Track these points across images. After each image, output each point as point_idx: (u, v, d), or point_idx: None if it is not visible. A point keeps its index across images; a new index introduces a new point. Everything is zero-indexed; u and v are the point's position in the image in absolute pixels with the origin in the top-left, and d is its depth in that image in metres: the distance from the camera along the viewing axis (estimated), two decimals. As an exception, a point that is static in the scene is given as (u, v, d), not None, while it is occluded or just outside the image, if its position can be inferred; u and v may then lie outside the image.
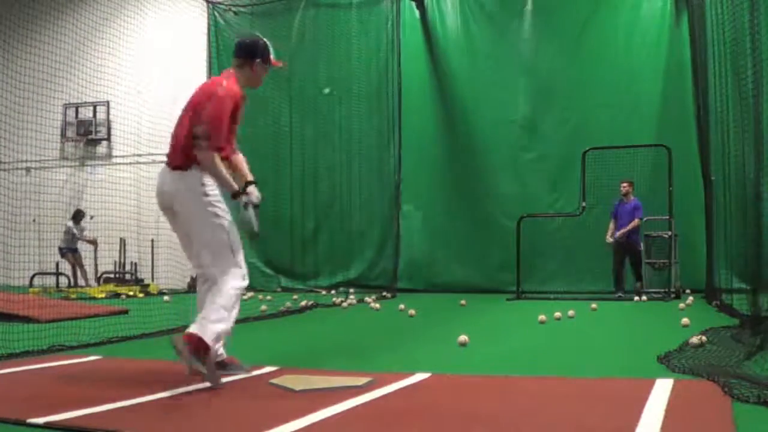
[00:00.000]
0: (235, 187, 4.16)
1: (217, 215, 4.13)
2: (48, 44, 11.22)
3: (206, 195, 4.11)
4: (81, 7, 14.56)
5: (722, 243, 9.59)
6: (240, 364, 4.41)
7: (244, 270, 4.24)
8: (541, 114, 13.00)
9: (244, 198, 4.18)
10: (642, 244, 11.40)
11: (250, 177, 4.39)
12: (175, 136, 4.26)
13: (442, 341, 6.03)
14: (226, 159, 4.25)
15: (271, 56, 4.45)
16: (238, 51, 4.43)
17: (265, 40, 4.47)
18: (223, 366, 4.31)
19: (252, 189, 4.29)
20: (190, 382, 4.07)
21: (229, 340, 4.39)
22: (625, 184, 11.39)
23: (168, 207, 4.24)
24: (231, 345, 4.53)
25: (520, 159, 13.02)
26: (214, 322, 3.96)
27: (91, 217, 13.52)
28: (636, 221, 11.17)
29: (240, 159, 4.46)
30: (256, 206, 4.24)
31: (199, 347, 3.87)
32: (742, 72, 7.44)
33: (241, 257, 4.25)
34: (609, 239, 11.42)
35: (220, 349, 4.31)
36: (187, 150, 4.14)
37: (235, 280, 4.14)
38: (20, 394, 3.85)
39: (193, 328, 3.92)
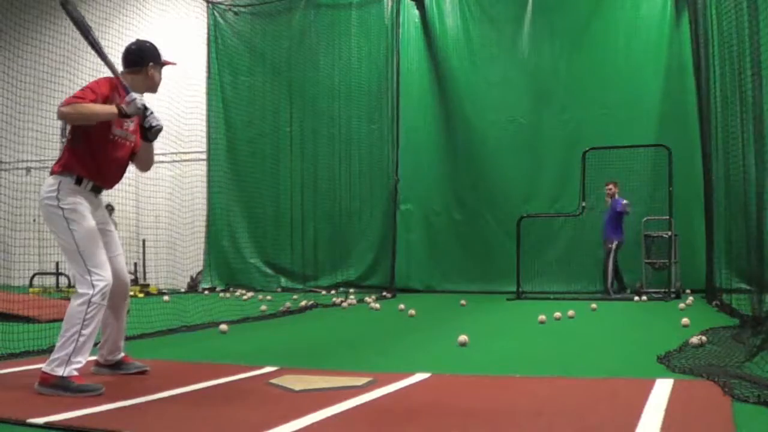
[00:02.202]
0: (114, 108, 3.97)
1: (65, 219, 4.00)
2: (48, 44, 11.21)
3: (55, 199, 4.00)
4: (81, 7, 14.44)
5: (722, 243, 9.60)
6: (134, 362, 4.42)
7: (96, 277, 3.97)
8: (541, 114, 13.00)
9: (124, 108, 3.98)
10: (614, 242, 11.36)
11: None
12: None
13: (442, 341, 6.03)
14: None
15: (162, 55, 4.35)
16: (127, 60, 4.27)
17: (151, 42, 4.35)
18: (120, 366, 4.35)
19: (128, 99, 4.03)
20: (190, 382, 4.07)
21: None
22: (610, 186, 11.47)
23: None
24: (231, 345, 4.52)
25: (520, 159, 13.02)
26: (59, 349, 3.87)
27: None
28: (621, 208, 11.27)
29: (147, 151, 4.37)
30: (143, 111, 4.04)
31: (49, 380, 3.79)
32: (742, 72, 7.45)
33: (95, 262, 3.99)
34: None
35: (120, 351, 4.36)
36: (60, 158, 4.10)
37: (79, 298, 3.96)
38: (20, 394, 3.84)
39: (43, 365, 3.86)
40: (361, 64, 14.02)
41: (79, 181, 4.04)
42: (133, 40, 4.42)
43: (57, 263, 14.37)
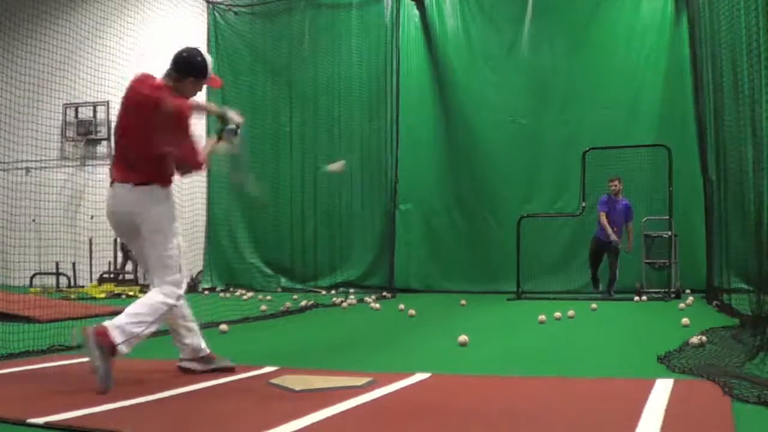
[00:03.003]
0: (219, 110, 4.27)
1: (175, 233, 4.19)
2: (48, 44, 11.20)
3: (169, 210, 4.18)
4: (81, 7, 14.56)
5: (722, 243, 9.60)
6: (220, 358, 4.45)
7: (181, 278, 4.19)
8: (541, 114, 12.99)
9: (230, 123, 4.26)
10: (621, 243, 11.36)
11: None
12: (134, 149, 4.16)
13: (442, 341, 6.03)
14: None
15: (210, 73, 4.36)
16: (175, 65, 4.28)
17: (207, 57, 4.37)
18: (209, 361, 4.37)
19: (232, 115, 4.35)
20: (190, 383, 4.07)
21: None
22: (615, 182, 11.28)
23: (127, 225, 4.18)
24: (231, 345, 4.53)
25: (519, 159, 13.01)
26: (129, 325, 3.88)
27: (92, 217, 13.51)
28: (630, 227, 11.27)
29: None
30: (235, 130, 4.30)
31: (104, 343, 3.77)
32: (740, 72, 7.45)
33: (183, 270, 4.20)
34: (614, 238, 11.23)
35: (202, 344, 4.36)
36: (150, 163, 4.12)
37: (164, 297, 4.07)
38: (20, 394, 3.84)
39: (106, 322, 3.86)
40: (361, 64, 14.01)
41: (165, 188, 4.20)
42: (191, 47, 4.43)
43: (57, 263, 14.37)
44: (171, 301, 4.08)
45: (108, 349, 3.76)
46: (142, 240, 4.16)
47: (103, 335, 3.76)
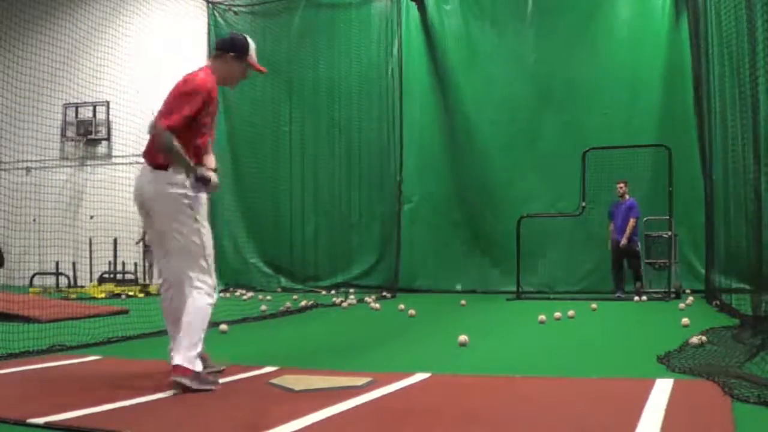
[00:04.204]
0: (191, 162, 3.98)
1: (195, 219, 4.05)
2: (48, 44, 11.21)
3: (187, 197, 4.02)
4: (81, 7, 14.55)
5: (722, 243, 9.60)
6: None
7: (214, 282, 4.13)
8: (541, 114, 12.99)
9: (199, 171, 3.99)
10: (639, 244, 11.41)
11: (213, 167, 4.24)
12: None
13: (442, 341, 6.03)
14: (202, 146, 4.13)
15: (251, 54, 4.29)
16: (216, 45, 4.38)
17: (248, 39, 4.33)
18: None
19: (209, 172, 4.09)
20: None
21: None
22: (621, 185, 11.42)
23: (145, 207, 4.15)
24: (231, 345, 4.53)
25: (520, 159, 13.01)
26: (191, 347, 3.87)
27: (91, 217, 13.52)
28: (632, 221, 11.20)
29: (211, 159, 4.28)
30: (206, 184, 4.03)
31: (186, 374, 3.81)
32: (741, 71, 7.45)
33: (213, 269, 4.14)
34: (612, 242, 11.44)
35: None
36: None
37: (206, 297, 4.02)
38: (20, 394, 3.85)
39: (177, 360, 3.83)
40: (361, 64, 14.01)
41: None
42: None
43: (57, 263, 14.37)
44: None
45: (195, 376, 3.83)
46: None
47: (181, 372, 3.80)
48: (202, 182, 4.01)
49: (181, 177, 4.00)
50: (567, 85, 12.83)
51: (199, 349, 3.91)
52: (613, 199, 11.56)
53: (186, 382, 3.78)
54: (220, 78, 4.23)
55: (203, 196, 4.13)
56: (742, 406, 3.30)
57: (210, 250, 4.11)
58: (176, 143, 3.90)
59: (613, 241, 11.45)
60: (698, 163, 11.43)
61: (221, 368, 4.37)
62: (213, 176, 4.10)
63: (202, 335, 3.96)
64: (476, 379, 4.33)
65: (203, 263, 4.04)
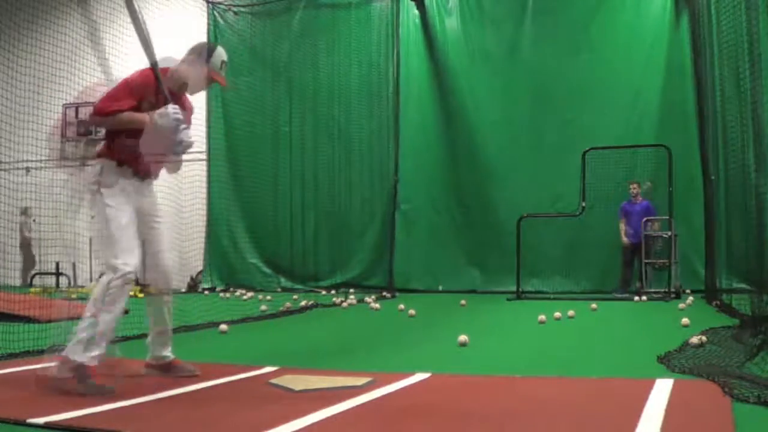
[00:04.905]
0: (146, 118, 3.96)
1: (107, 205, 4.03)
2: (48, 44, 11.21)
3: (100, 183, 4.07)
4: (81, 7, 14.54)
5: (722, 243, 9.60)
6: (184, 365, 4.35)
7: (120, 261, 3.92)
8: (541, 114, 12.99)
9: (157, 119, 3.95)
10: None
11: None
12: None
13: (442, 341, 6.03)
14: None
15: (211, 61, 4.23)
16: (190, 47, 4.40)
17: (219, 48, 4.33)
18: (170, 369, 4.29)
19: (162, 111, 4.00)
20: (190, 383, 4.07)
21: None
22: (634, 186, 11.70)
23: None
24: (231, 345, 4.52)
25: (520, 159, 13.01)
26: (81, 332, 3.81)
27: (92, 217, 13.50)
28: (652, 224, 11.57)
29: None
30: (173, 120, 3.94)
31: (68, 364, 3.76)
32: (741, 71, 7.45)
33: (123, 247, 3.96)
34: (624, 240, 11.74)
35: (165, 351, 4.29)
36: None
37: (107, 273, 3.94)
38: (20, 394, 3.84)
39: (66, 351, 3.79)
40: (361, 64, 14.02)
41: (120, 164, 4.07)
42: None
43: (57, 263, 14.38)
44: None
45: (76, 366, 3.79)
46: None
47: (64, 361, 3.79)
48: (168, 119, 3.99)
49: (94, 169, 4.14)
50: (567, 85, 12.84)
51: (88, 336, 3.79)
52: (622, 198, 11.75)
53: (59, 372, 3.76)
54: (184, 79, 4.21)
55: (121, 184, 4.12)
56: (742, 406, 3.29)
57: (117, 232, 4.02)
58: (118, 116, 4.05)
59: (626, 240, 11.67)
60: (698, 163, 11.44)
61: (195, 372, 4.30)
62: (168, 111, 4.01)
63: (95, 322, 3.81)
64: (476, 378, 4.32)
65: (111, 247, 4.02)
